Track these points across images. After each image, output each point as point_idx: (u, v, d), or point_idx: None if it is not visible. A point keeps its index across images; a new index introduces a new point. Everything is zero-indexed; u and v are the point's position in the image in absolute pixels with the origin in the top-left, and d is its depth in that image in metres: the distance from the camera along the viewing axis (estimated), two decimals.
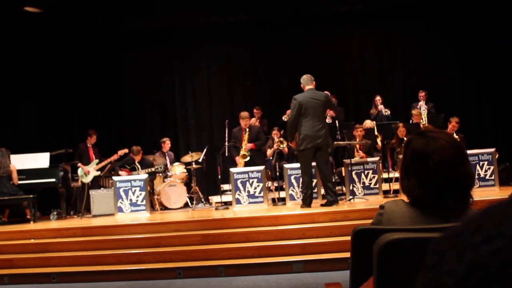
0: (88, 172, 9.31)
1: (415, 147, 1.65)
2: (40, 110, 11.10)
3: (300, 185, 7.47)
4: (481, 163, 7.91)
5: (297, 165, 8.13)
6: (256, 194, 7.98)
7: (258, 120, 10.33)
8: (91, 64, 11.62)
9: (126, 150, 9.36)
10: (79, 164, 9.38)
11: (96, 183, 9.49)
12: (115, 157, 9.32)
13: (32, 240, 6.84)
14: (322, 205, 7.18)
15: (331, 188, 7.04)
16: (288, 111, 10.67)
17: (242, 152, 8.62)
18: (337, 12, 11.76)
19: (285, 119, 10.68)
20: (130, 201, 8.12)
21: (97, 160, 9.50)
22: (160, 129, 11.94)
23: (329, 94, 7.58)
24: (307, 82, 7.24)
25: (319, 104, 7.04)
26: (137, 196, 8.13)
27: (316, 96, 7.10)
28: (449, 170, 1.59)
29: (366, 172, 7.95)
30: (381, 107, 10.47)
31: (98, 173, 9.38)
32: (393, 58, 11.98)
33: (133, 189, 8.14)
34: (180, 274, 5.69)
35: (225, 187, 9.70)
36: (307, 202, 7.06)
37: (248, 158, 8.56)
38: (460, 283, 0.47)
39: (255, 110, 10.44)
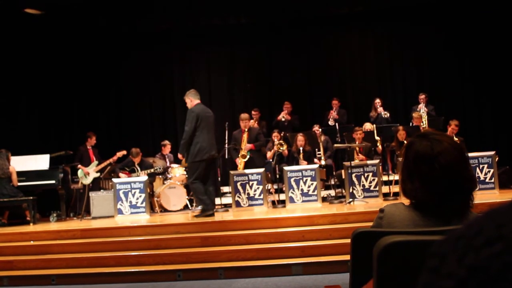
0: (88, 173, 9.33)
1: (419, 149, 1.64)
2: (41, 112, 11.10)
3: (196, 195, 7.54)
4: (481, 166, 7.91)
5: (298, 167, 8.17)
6: (256, 197, 7.98)
7: (256, 122, 10.34)
8: (91, 65, 11.63)
9: (125, 152, 9.41)
10: (79, 166, 9.42)
11: (97, 184, 9.52)
12: (114, 158, 9.36)
13: (31, 242, 6.83)
14: (196, 216, 7.37)
15: (214, 199, 7.64)
16: (283, 112, 10.76)
17: (241, 152, 8.65)
18: (338, 14, 11.77)
19: (283, 119, 10.72)
20: (130, 203, 8.11)
21: (96, 162, 9.53)
22: (160, 131, 11.95)
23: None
24: (195, 97, 7.54)
25: (211, 117, 7.50)
26: (137, 198, 8.12)
27: (208, 110, 7.56)
28: (453, 173, 1.59)
29: (366, 174, 7.94)
30: (380, 109, 10.48)
31: (98, 174, 9.41)
32: (394, 61, 11.99)
33: (133, 191, 8.14)
34: (179, 276, 5.69)
35: (225, 189, 9.71)
36: (211, 210, 7.28)
37: (247, 158, 8.59)
38: (460, 286, 0.47)
39: (253, 112, 10.45)
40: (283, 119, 10.71)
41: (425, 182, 1.62)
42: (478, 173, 7.85)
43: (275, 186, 9.12)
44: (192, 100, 7.46)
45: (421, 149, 1.63)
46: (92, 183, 9.37)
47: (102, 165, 9.39)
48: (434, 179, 1.59)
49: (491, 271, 0.46)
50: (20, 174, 8.70)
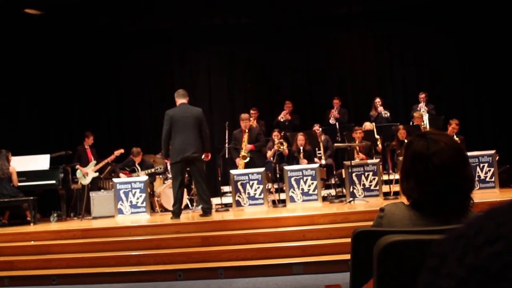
0: (87, 173, 9.32)
1: (415, 149, 1.65)
2: (41, 112, 11.10)
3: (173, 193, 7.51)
4: (481, 165, 7.91)
5: (298, 167, 8.17)
6: (256, 196, 7.98)
7: (255, 121, 10.35)
8: (91, 65, 11.62)
9: (122, 151, 9.38)
10: (78, 166, 9.41)
11: (95, 184, 9.51)
12: (112, 157, 9.34)
13: (32, 242, 6.83)
14: (201, 215, 7.38)
15: (206, 198, 7.39)
16: (283, 112, 10.77)
17: (242, 153, 8.65)
18: (338, 14, 11.77)
19: (282, 119, 10.73)
20: (130, 203, 8.11)
21: (94, 161, 9.52)
22: (160, 131, 11.91)
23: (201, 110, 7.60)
24: (180, 97, 7.47)
25: (190, 118, 7.26)
26: (137, 198, 8.13)
27: (189, 111, 7.34)
28: (449, 173, 1.59)
29: (366, 174, 7.94)
30: (380, 109, 10.48)
31: (96, 174, 9.40)
32: (394, 60, 11.99)
33: (133, 191, 8.14)
34: (180, 276, 5.69)
35: (225, 189, 9.70)
36: (177, 214, 7.24)
37: (248, 159, 8.59)
38: (460, 286, 0.47)
39: (251, 111, 10.44)
40: (282, 119, 10.72)
41: (420, 182, 1.62)
42: (478, 172, 7.85)
43: (276, 186, 9.12)
44: (177, 101, 7.48)
45: (417, 149, 1.64)
46: (91, 183, 9.36)
47: (100, 164, 9.37)
48: (429, 179, 1.60)
49: (491, 270, 0.45)
50: (21, 174, 8.70)
